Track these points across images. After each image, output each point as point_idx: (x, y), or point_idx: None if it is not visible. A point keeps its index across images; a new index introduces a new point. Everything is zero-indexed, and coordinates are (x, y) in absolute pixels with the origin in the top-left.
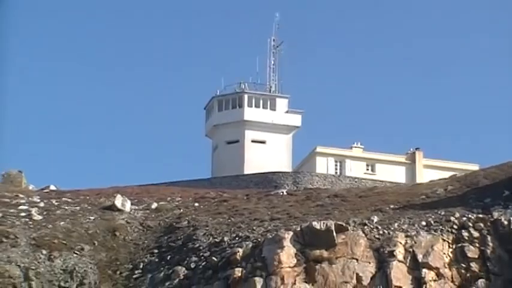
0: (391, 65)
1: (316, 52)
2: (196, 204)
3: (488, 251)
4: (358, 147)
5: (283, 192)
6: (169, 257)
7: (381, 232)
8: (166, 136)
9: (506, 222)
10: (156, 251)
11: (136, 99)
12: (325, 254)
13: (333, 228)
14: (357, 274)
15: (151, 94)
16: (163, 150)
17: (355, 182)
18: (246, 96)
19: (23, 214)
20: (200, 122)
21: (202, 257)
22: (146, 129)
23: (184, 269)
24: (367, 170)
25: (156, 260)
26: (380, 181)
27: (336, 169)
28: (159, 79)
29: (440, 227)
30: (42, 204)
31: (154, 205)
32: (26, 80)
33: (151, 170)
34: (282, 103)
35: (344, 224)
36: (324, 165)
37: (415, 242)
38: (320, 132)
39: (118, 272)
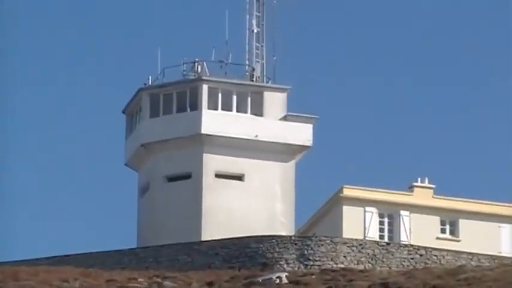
0: None
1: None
2: None
3: None
4: (425, 187)
5: (281, 278)
6: None
7: None
8: (49, 170)
9: None
10: None
11: None
12: None
13: None
14: None
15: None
16: (41, 197)
17: (420, 256)
18: (204, 87)
19: None
20: (115, 139)
21: None
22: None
23: None
24: (443, 232)
25: None
26: (468, 254)
27: (382, 231)
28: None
29: None
30: None
31: None
32: None
33: (20, 234)
34: (275, 101)
35: None
36: (359, 223)
37: None
38: (350, 158)
39: None
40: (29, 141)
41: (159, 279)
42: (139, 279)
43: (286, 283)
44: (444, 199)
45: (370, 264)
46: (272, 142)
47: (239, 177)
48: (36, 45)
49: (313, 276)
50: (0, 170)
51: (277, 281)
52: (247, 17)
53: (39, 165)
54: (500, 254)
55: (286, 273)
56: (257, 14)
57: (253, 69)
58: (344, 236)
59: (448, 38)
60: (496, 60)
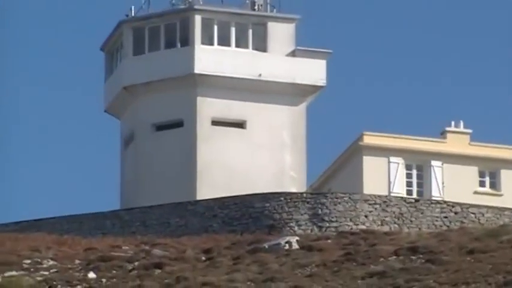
0: None
1: None
2: (93, 275)
3: None
4: (460, 132)
5: (291, 244)
6: None
7: None
8: (19, 117)
9: None
10: None
11: None
12: None
13: None
14: None
15: None
16: (8, 149)
17: (455, 214)
18: (198, 18)
19: None
20: (93, 80)
21: None
22: None
23: None
24: (482, 185)
25: None
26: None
27: (410, 185)
28: None
29: None
30: None
31: None
32: None
33: None
34: (281, 34)
35: None
36: (383, 176)
37: None
38: (370, 99)
39: None
40: None
41: (147, 247)
42: (124, 247)
43: (296, 249)
44: (483, 146)
45: (396, 225)
46: (278, 82)
47: (240, 125)
48: None
49: (329, 241)
50: None
51: (287, 246)
52: None
53: (11, 111)
54: None
55: (297, 237)
56: None
57: None
58: (365, 191)
59: None
60: None
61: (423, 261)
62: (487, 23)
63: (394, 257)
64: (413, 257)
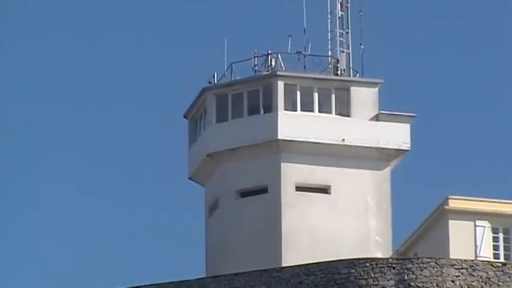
0: None
1: None
2: None
3: None
4: None
5: None
6: None
7: None
8: (102, 188)
9: None
10: None
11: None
12: None
13: None
14: None
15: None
16: (94, 220)
17: None
18: (280, 84)
19: None
20: (177, 148)
21: None
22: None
23: None
24: None
25: None
26: None
27: (497, 249)
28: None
29: None
30: None
31: None
32: None
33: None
34: (365, 98)
35: None
36: (469, 240)
37: None
38: (455, 163)
39: None
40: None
41: None
42: None
43: None
44: None
45: None
46: (362, 147)
47: (324, 190)
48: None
49: None
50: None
51: None
52: (327, 4)
53: (90, 184)
54: None
55: None
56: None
57: (338, 61)
58: (451, 256)
59: None
60: None
61: None
62: None
63: None
64: None
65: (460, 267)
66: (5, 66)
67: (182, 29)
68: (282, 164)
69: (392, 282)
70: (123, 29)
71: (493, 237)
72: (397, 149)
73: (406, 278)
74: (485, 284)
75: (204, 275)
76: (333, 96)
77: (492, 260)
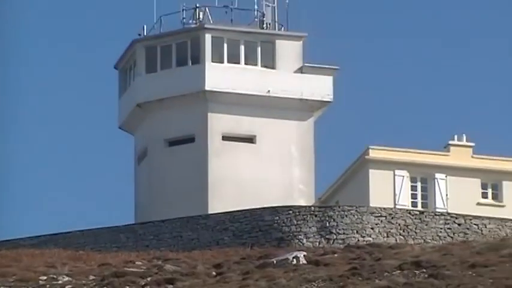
0: None
1: None
2: None
3: None
4: (463, 145)
5: (298, 259)
6: None
7: None
8: (33, 131)
9: None
10: None
11: None
12: None
13: None
14: None
15: None
16: (25, 166)
17: (459, 226)
18: (208, 36)
19: None
20: (107, 97)
21: None
22: None
23: None
24: (484, 196)
25: None
26: None
27: (415, 197)
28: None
29: None
30: None
31: None
32: None
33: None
34: (289, 51)
35: None
36: (388, 189)
37: None
38: (377, 114)
39: None
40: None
41: (159, 262)
42: (137, 262)
43: (304, 263)
44: (485, 159)
45: (401, 237)
46: (287, 98)
47: (250, 139)
48: None
49: (336, 255)
50: None
51: (294, 261)
52: None
53: (25, 128)
54: None
55: (304, 253)
56: None
57: (263, 15)
58: (371, 204)
59: None
60: None
61: (426, 275)
62: (488, 32)
63: (399, 271)
64: (417, 272)
65: (379, 215)
66: None
67: None
68: (209, 114)
69: (314, 229)
70: None
71: (411, 186)
72: (320, 101)
73: (327, 225)
74: (403, 231)
75: (133, 222)
76: (259, 49)
77: (410, 208)
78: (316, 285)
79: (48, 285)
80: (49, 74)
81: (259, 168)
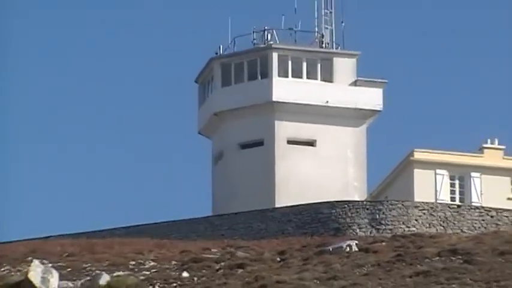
0: None
1: None
2: (186, 274)
3: None
4: (495, 148)
5: (351, 246)
6: None
7: None
8: (124, 138)
9: None
10: None
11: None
12: None
13: None
14: None
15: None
16: (117, 166)
17: (491, 217)
18: (274, 55)
19: None
20: (189, 108)
21: None
22: (81, 127)
23: None
24: None
25: None
26: None
27: (453, 193)
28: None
29: None
30: None
31: (104, 278)
32: None
33: (95, 204)
34: (345, 67)
35: None
36: (430, 186)
37: None
38: (420, 121)
39: None
40: (106, 110)
41: (232, 249)
42: (213, 249)
43: (356, 251)
44: None
45: (441, 227)
46: (343, 107)
47: (311, 143)
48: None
49: (383, 243)
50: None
51: (348, 249)
52: None
53: (118, 134)
54: None
55: (356, 241)
56: None
57: (323, 36)
58: (415, 199)
59: None
60: None
61: (461, 261)
62: None
63: (437, 258)
64: (453, 258)
65: (422, 208)
66: None
67: (195, 9)
68: (275, 121)
69: (366, 220)
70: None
71: (450, 183)
72: (371, 110)
73: (377, 217)
74: (443, 222)
75: (210, 214)
76: (319, 65)
77: (449, 202)
78: (366, 269)
79: (136, 269)
80: (140, 89)
81: (319, 168)
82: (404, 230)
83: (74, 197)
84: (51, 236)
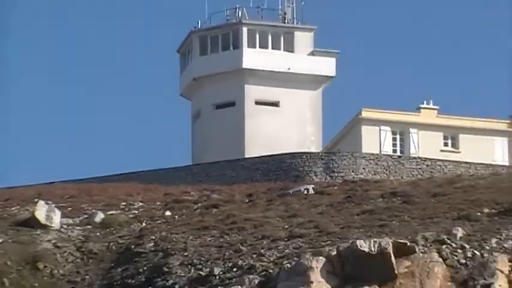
0: None
1: None
2: (169, 212)
3: None
4: (430, 108)
5: (308, 190)
6: None
7: (469, 254)
8: (117, 100)
9: None
10: None
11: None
12: None
13: (390, 250)
14: None
15: (90, 31)
16: (111, 123)
17: (426, 166)
18: (244, 29)
19: None
20: (171, 74)
21: None
22: (82, 89)
23: None
24: (445, 145)
25: None
26: (466, 164)
27: (395, 146)
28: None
29: None
30: None
31: (99, 216)
32: None
33: (92, 155)
34: (304, 39)
35: (409, 243)
36: (375, 140)
37: None
38: (367, 85)
39: None
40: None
41: (208, 192)
42: (192, 193)
43: (312, 193)
44: (447, 118)
45: (385, 174)
46: (302, 74)
47: (275, 104)
48: None
49: (335, 187)
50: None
51: (305, 192)
52: None
53: (115, 96)
54: (494, 163)
55: (313, 185)
56: None
57: (285, 13)
58: (363, 151)
59: None
60: None
61: (401, 202)
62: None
63: (381, 199)
64: (394, 199)
65: (368, 158)
66: None
67: None
68: (245, 85)
69: (321, 169)
70: None
71: (392, 137)
72: (326, 76)
73: (330, 166)
74: (386, 170)
75: (190, 163)
76: (282, 38)
77: (391, 154)
78: (320, 209)
79: (126, 209)
80: (130, 58)
81: (281, 126)
82: (353, 177)
83: (76, 148)
84: (55, 182)
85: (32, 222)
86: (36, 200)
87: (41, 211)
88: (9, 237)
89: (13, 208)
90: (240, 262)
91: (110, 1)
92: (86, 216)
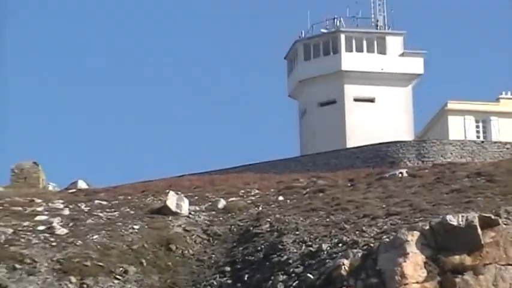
0: None
1: None
2: (281, 198)
3: None
4: (508, 98)
5: (402, 173)
6: (246, 276)
7: None
8: (232, 102)
9: None
10: (228, 268)
11: (185, 48)
12: (467, 260)
13: (476, 223)
14: None
15: (207, 43)
16: (229, 122)
17: (507, 149)
18: (342, 36)
19: (41, 228)
20: (280, 78)
21: (293, 274)
22: (205, 91)
23: None
24: None
25: (229, 281)
26: None
27: (478, 132)
28: (219, 22)
29: None
30: (66, 212)
31: (221, 203)
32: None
33: (215, 150)
34: (394, 43)
35: (493, 217)
36: (460, 128)
37: None
38: (451, 80)
39: None
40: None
41: (314, 179)
42: (301, 180)
43: (405, 176)
44: None
45: (470, 158)
46: (394, 73)
47: (371, 100)
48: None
49: (426, 170)
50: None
51: (400, 175)
52: None
53: (232, 99)
54: None
55: (406, 169)
56: None
57: (377, 21)
58: (450, 138)
59: None
60: None
61: (484, 181)
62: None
63: (466, 179)
64: (478, 179)
65: (455, 145)
66: None
67: (276, 4)
68: (344, 85)
69: (413, 155)
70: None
71: (476, 125)
72: (415, 74)
73: (421, 152)
74: (471, 154)
75: (299, 155)
76: (375, 42)
77: (475, 139)
78: (413, 189)
79: (245, 196)
80: (247, 66)
81: (377, 119)
82: (442, 161)
83: (202, 145)
84: (184, 175)
85: (165, 210)
86: (167, 191)
87: (172, 200)
88: (145, 224)
89: (148, 199)
90: (344, 238)
91: (230, 23)
92: (210, 203)
